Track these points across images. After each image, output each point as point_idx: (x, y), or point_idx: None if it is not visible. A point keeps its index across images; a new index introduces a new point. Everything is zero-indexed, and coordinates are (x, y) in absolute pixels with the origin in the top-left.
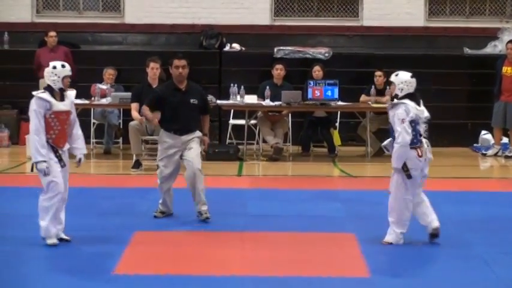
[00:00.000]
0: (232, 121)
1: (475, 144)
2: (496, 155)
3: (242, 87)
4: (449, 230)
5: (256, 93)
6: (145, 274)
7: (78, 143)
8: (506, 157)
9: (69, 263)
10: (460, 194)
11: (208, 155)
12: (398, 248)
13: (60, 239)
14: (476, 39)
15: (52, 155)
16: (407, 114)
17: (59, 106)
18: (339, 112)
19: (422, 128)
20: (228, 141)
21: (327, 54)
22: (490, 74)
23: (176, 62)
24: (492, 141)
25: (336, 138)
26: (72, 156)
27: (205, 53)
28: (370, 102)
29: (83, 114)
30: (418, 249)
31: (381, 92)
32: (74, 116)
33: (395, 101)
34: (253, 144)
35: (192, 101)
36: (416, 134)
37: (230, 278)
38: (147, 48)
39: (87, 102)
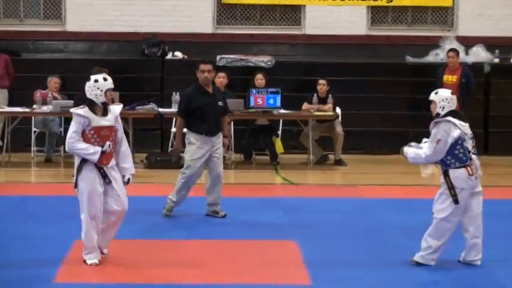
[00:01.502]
0: (174, 129)
1: None
2: (436, 163)
3: None
4: (391, 237)
5: None
6: (85, 282)
7: (126, 162)
8: None
9: (9, 271)
10: (402, 201)
11: (150, 163)
12: (339, 256)
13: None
14: (418, 47)
15: (95, 173)
16: (448, 134)
17: (100, 121)
18: (281, 120)
19: (470, 144)
20: (170, 149)
21: (269, 63)
22: (432, 82)
23: (202, 66)
24: None
25: (278, 146)
26: None
27: (148, 61)
28: (312, 111)
29: (24, 122)
30: (359, 256)
31: (323, 100)
32: (121, 132)
33: (439, 120)
34: None
35: (219, 103)
36: (464, 152)
37: (171, 286)
38: (89, 56)
39: (27, 110)
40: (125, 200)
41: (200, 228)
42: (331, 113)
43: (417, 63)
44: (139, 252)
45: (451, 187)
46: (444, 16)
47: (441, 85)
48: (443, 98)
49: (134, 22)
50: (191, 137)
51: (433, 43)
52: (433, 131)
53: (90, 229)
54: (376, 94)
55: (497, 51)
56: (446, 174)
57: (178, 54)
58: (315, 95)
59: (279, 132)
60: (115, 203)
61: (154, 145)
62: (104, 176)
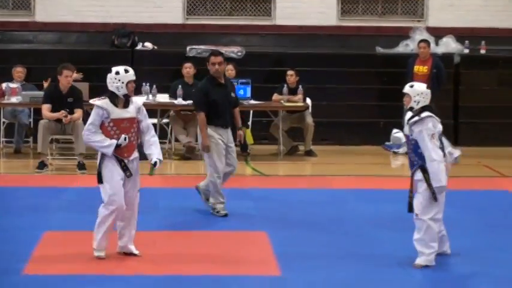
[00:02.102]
0: None
1: (386, 143)
2: (407, 153)
3: (154, 86)
4: (361, 228)
5: (168, 92)
6: (55, 274)
7: (152, 149)
8: None
9: None
10: (372, 192)
11: None
12: (309, 247)
13: (130, 253)
14: (389, 38)
15: (116, 165)
16: (435, 128)
17: (120, 114)
18: (251, 111)
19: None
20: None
21: (239, 53)
22: (402, 73)
23: (212, 58)
24: (403, 140)
25: (249, 137)
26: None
27: (117, 51)
28: (282, 101)
29: None
30: (329, 247)
31: (293, 91)
32: (145, 123)
33: (423, 114)
34: (166, 143)
35: (232, 95)
36: (441, 146)
37: (141, 278)
38: (58, 47)
39: None
40: (137, 196)
41: (169, 219)
42: (301, 104)
43: (387, 53)
44: (109, 244)
45: (430, 183)
46: (414, 7)
47: (412, 76)
48: (418, 92)
49: (104, 12)
50: (208, 130)
51: (404, 34)
52: (418, 129)
53: (106, 221)
54: (347, 85)
55: (467, 41)
56: (424, 171)
57: (148, 45)
58: (285, 85)
59: (249, 123)
60: (129, 197)
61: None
62: (125, 170)
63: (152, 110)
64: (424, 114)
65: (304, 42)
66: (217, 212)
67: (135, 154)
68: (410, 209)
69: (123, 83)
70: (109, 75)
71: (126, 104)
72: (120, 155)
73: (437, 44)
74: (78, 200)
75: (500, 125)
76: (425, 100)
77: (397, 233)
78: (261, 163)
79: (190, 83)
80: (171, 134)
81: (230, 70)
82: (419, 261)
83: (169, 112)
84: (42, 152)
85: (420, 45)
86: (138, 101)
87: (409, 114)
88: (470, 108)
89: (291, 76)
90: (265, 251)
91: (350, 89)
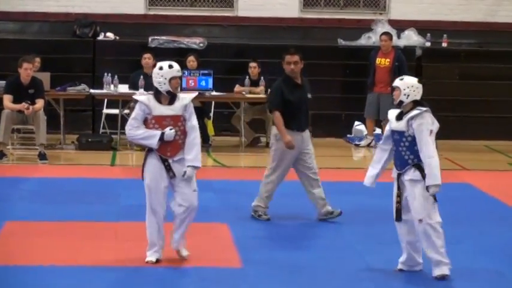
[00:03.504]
0: (105, 110)
1: (348, 135)
2: (368, 145)
3: (116, 76)
4: (321, 220)
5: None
6: (16, 265)
7: (189, 153)
8: None
9: None
10: (333, 185)
11: (81, 145)
12: (270, 239)
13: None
14: (351, 30)
15: (158, 165)
16: (433, 124)
17: (162, 110)
18: (213, 102)
19: None
20: (101, 130)
21: (201, 44)
22: (364, 66)
23: (288, 58)
24: (365, 132)
25: (210, 128)
26: None
27: (79, 41)
28: (244, 93)
29: None
30: (291, 240)
31: (255, 83)
32: (190, 123)
33: (420, 109)
34: None
35: (309, 96)
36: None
37: (102, 268)
38: (20, 37)
39: None
40: (192, 196)
41: (129, 211)
42: (263, 96)
43: (349, 46)
44: (70, 235)
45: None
46: None
47: (374, 68)
48: (408, 84)
49: (66, 2)
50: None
51: (365, 26)
52: (418, 123)
53: (151, 223)
54: (308, 77)
55: (428, 35)
56: (421, 169)
57: (110, 35)
58: (247, 77)
59: (211, 115)
60: (181, 198)
61: (85, 126)
62: (168, 170)
63: (114, 101)
64: (424, 108)
65: (266, 34)
66: (259, 215)
67: (181, 155)
68: (399, 216)
69: (165, 78)
70: (154, 70)
71: (171, 100)
72: (163, 154)
73: (399, 36)
74: (40, 190)
75: (462, 118)
76: (416, 94)
77: (358, 225)
78: (222, 155)
79: (150, 74)
80: None
81: (192, 61)
82: (442, 271)
83: (130, 103)
84: (4, 142)
85: (382, 38)
86: (186, 98)
87: (394, 111)
88: (432, 101)
89: (254, 68)
90: (226, 243)
91: (312, 81)
